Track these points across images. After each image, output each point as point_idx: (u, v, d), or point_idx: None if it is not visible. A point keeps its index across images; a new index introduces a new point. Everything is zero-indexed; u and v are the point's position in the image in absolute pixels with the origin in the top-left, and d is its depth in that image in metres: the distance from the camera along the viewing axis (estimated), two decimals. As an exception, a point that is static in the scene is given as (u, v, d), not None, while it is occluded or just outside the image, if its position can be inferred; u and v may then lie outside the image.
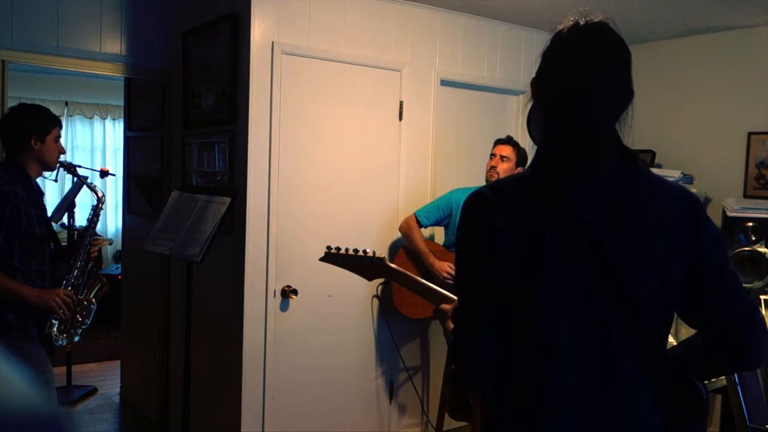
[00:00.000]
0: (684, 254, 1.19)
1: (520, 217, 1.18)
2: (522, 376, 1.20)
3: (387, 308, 3.56)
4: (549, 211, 1.18)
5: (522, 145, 3.44)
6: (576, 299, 1.16)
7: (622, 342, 1.16)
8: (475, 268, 1.22)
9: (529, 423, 1.19)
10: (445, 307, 1.55)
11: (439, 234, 3.71)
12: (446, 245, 3.54)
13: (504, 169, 3.30)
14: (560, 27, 1.22)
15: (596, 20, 1.20)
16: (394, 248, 3.55)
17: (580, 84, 1.18)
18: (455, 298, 1.52)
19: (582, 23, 1.20)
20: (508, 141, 3.37)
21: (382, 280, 3.48)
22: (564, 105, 1.21)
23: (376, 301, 3.56)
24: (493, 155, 3.36)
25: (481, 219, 1.21)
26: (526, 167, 1.28)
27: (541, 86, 1.25)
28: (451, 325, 1.32)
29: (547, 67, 1.23)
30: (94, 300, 2.86)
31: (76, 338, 2.78)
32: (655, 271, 1.17)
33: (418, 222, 3.43)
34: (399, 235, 3.52)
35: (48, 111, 2.73)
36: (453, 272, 3.27)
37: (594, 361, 1.16)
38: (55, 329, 2.66)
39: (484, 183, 3.41)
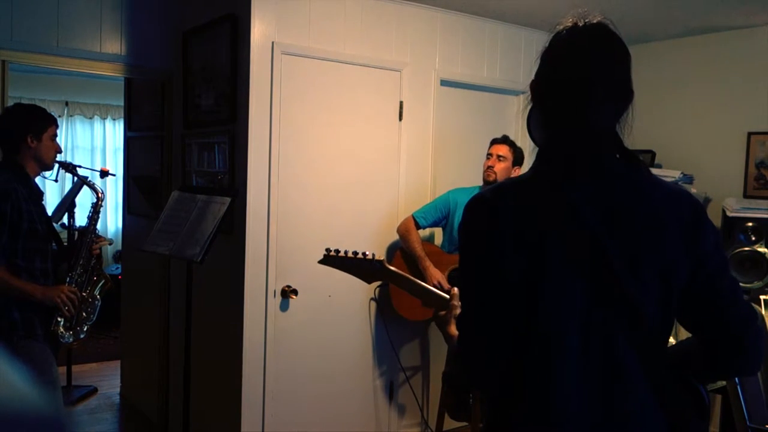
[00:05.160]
0: (685, 257, 1.18)
1: (522, 220, 1.18)
2: (526, 378, 1.20)
3: (385, 311, 3.56)
4: (550, 214, 1.17)
5: (522, 145, 3.43)
6: (578, 301, 1.16)
7: (625, 343, 1.16)
8: (478, 271, 1.21)
9: (533, 424, 1.19)
10: (442, 314, 1.55)
11: (439, 234, 3.70)
12: (443, 246, 3.54)
13: (501, 168, 3.30)
14: (559, 28, 1.22)
15: (595, 21, 1.20)
16: (394, 249, 3.55)
17: (579, 85, 1.18)
18: (456, 303, 1.52)
19: (581, 24, 1.20)
20: (504, 140, 3.38)
21: (380, 282, 3.48)
22: (563, 106, 1.21)
23: (374, 304, 3.56)
24: (489, 155, 3.36)
25: (483, 223, 1.21)
26: (528, 169, 1.27)
27: (541, 88, 1.24)
28: (454, 330, 1.31)
29: (546, 69, 1.23)
30: (98, 296, 2.86)
31: (82, 335, 2.78)
32: (656, 274, 1.16)
33: (416, 223, 3.42)
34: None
35: (43, 110, 2.74)
36: (442, 282, 3.25)
37: (597, 362, 1.16)
38: (60, 327, 2.66)
39: (482, 183, 3.41)
